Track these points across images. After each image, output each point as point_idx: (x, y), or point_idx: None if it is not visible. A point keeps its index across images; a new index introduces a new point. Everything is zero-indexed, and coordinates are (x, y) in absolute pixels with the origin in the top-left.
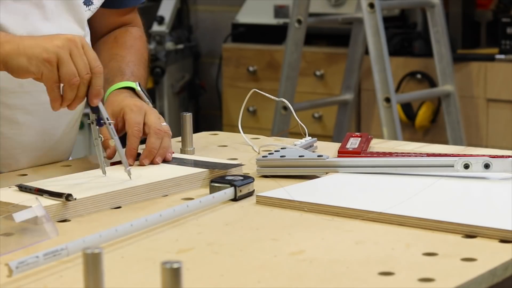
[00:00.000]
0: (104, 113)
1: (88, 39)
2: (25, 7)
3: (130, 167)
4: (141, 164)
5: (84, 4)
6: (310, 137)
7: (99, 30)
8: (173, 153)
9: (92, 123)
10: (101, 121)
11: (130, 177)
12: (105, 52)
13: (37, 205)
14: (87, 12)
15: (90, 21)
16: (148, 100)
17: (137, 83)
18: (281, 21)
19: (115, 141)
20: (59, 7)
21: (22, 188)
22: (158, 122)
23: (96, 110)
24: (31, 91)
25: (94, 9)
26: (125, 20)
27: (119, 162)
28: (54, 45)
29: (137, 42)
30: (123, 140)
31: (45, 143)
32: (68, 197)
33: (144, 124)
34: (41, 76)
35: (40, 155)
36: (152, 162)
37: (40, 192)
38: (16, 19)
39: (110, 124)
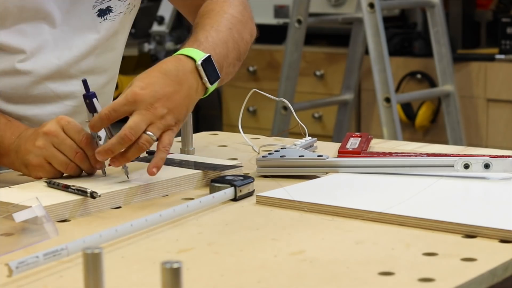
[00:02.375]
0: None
1: (118, 40)
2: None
3: (127, 166)
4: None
5: (99, 16)
6: (310, 137)
7: (186, 12)
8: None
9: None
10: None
11: (127, 176)
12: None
13: (37, 205)
14: (105, 23)
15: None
16: (205, 78)
17: (206, 55)
18: (281, 21)
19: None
20: (67, 17)
21: (50, 184)
22: (134, 127)
23: (93, 109)
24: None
25: (114, 17)
26: None
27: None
28: (36, 147)
29: (218, 4)
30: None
31: None
32: (92, 194)
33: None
34: (41, 176)
35: None
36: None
37: (66, 188)
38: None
39: (100, 139)
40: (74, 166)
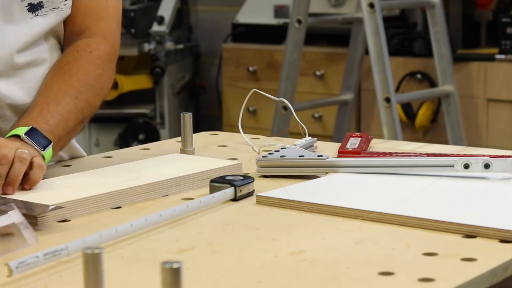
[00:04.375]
0: None
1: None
2: None
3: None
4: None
5: (29, 11)
6: (310, 137)
7: (65, 36)
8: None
9: None
10: None
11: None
12: (47, 77)
13: (13, 211)
14: (36, 19)
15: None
16: (35, 146)
17: (29, 127)
18: (281, 21)
19: None
20: None
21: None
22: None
23: None
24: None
25: (46, 13)
26: (82, 26)
27: None
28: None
29: (76, 64)
30: None
31: None
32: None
33: None
34: None
35: None
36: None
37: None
38: None
39: None
40: None
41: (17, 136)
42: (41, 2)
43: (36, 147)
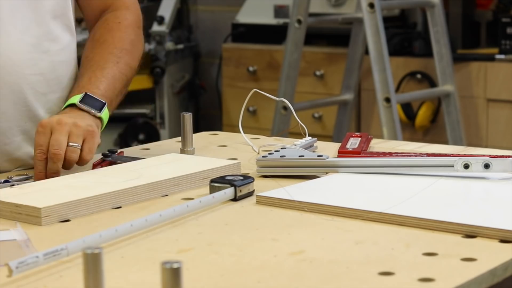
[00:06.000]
0: None
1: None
2: None
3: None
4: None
5: None
6: (310, 137)
7: (87, 15)
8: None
9: None
10: None
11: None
12: (86, 51)
13: (16, 229)
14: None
15: (80, 7)
16: (91, 110)
17: (83, 94)
18: (281, 21)
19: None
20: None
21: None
22: (56, 144)
23: None
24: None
25: None
26: (107, 2)
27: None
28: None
29: (111, 35)
30: None
31: None
32: None
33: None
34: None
35: None
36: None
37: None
38: None
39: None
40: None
41: (72, 105)
42: None
43: (93, 111)
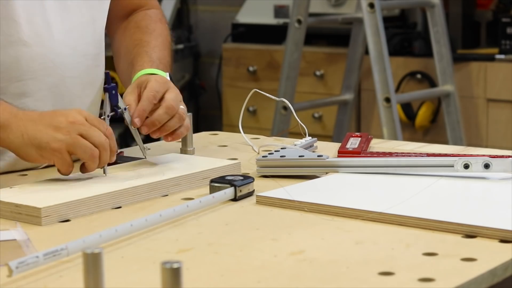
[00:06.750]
0: (121, 103)
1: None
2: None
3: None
4: (134, 126)
5: None
6: (310, 137)
7: (116, 14)
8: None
9: (108, 116)
10: (118, 109)
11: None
12: (128, 38)
13: (16, 229)
14: None
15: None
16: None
17: (168, 73)
18: (281, 21)
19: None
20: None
21: None
22: (175, 100)
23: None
24: (37, 76)
25: None
26: (141, 2)
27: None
28: (60, 132)
29: (158, 25)
30: None
31: None
32: None
33: (162, 98)
34: (53, 162)
35: None
36: (151, 135)
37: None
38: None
39: (125, 110)
40: (97, 154)
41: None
42: None
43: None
